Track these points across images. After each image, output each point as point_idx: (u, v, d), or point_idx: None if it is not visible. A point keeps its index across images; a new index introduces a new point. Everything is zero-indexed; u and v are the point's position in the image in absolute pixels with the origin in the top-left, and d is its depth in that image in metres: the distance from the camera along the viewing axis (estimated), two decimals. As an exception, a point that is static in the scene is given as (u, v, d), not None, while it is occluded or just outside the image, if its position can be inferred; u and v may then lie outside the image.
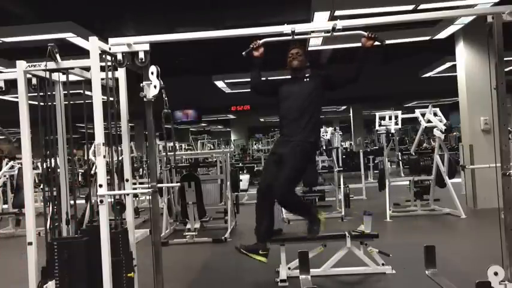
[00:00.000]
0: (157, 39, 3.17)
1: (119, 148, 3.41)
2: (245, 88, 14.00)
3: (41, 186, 3.70)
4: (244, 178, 10.70)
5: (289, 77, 4.23)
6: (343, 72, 4.06)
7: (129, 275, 3.04)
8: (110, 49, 3.09)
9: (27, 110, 3.18)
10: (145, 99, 3.11)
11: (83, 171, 12.60)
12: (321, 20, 6.17)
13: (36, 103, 3.29)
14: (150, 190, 3.09)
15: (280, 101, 4.10)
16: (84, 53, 3.37)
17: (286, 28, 3.19)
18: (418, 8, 6.05)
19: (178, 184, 6.47)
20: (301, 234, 4.41)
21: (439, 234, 6.20)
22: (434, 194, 7.67)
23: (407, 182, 7.92)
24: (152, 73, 3.09)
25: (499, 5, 5.30)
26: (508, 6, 3.00)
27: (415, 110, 8.07)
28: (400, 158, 11.35)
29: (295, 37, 3.25)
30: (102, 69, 3.05)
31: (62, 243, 2.99)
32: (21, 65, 3.20)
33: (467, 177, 8.02)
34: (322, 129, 10.50)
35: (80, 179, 11.96)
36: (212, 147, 17.94)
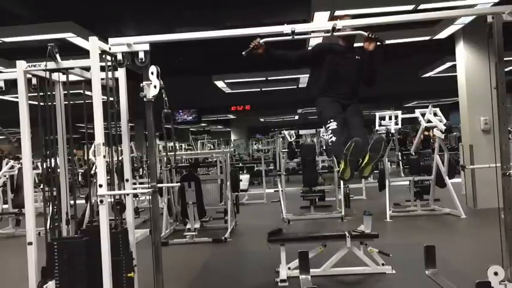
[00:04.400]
0: (157, 39, 3.18)
1: (119, 148, 3.41)
2: (245, 88, 14.00)
3: (41, 186, 3.70)
4: (244, 178, 10.71)
5: (338, 45, 3.93)
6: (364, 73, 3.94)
7: (129, 275, 3.05)
8: (110, 49, 3.09)
9: (27, 110, 3.18)
10: (145, 99, 3.11)
11: (83, 171, 12.59)
12: (321, 20, 6.17)
13: (36, 103, 3.29)
14: (150, 190, 3.09)
15: (330, 65, 3.84)
16: (84, 53, 3.38)
17: (286, 28, 3.18)
18: (418, 8, 6.04)
19: (178, 184, 6.47)
20: (301, 234, 4.42)
21: (439, 234, 6.20)
22: (434, 194, 7.67)
23: (407, 182, 7.92)
24: (152, 73, 3.09)
25: (499, 5, 5.30)
26: (508, 6, 3.00)
27: (415, 110, 8.07)
28: (400, 158, 11.34)
29: (295, 37, 3.25)
30: (102, 69, 3.06)
31: (62, 243, 2.99)
32: (21, 65, 3.20)
33: (467, 177, 8.02)
34: (322, 129, 10.53)
35: (80, 179, 11.95)
36: (212, 147, 17.93)
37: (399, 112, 8.85)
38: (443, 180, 7.37)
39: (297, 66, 4.04)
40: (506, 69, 3.14)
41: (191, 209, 6.42)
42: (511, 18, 2.99)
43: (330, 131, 3.66)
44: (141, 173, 11.42)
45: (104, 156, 2.88)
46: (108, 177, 3.08)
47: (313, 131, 13.92)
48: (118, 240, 3.05)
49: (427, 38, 8.26)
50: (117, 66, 3.18)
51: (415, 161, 8.15)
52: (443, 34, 7.96)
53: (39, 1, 6.97)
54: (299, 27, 3.22)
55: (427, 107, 7.72)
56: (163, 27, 7.98)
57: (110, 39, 3.11)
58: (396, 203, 8.00)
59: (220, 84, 13.49)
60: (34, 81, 3.32)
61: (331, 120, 3.68)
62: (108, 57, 3.11)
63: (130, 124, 3.62)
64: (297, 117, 22.89)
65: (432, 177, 7.51)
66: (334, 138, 3.58)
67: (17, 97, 3.18)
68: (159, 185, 3.48)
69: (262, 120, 25.15)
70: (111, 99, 3.16)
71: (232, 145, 20.53)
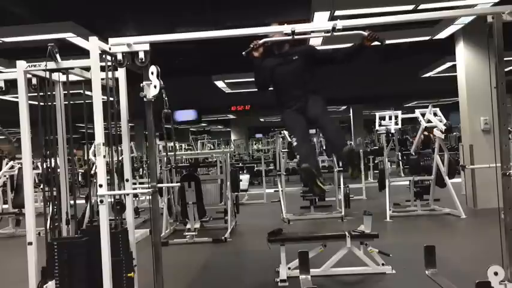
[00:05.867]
0: (157, 39, 3.17)
1: (119, 148, 3.41)
2: (245, 88, 13.98)
3: (41, 186, 3.70)
4: (244, 178, 10.71)
5: (276, 54, 4.00)
6: (333, 52, 4.00)
7: (129, 275, 3.04)
8: (110, 49, 3.09)
9: (27, 110, 3.18)
10: (145, 99, 3.11)
11: (83, 171, 12.60)
12: (321, 20, 6.17)
13: (36, 103, 3.29)
14: (150, 190, 3.09)
15: (275, 76, 3.96)
16: (84, 53, 3.38)
17: (286, 28, 3.18)
18: (418, 8, 6.04)
19: (178, 184, 6.47)
20: (301, 234, 4.42)
21: (439, 234, 6.20)
22: (434, 194, 7.67)
23: (407, 182, 7.92)
24: (152, 73, 3.09)
25: (499, 5, 5.30)
26: (508, 6, 3.00)
27: (415, 110, 8.07)
28: (400, 158, 11.34)
29: (295, 37, 3.25)
30: (102, 69, 3.05)
31: (62, 243, 2.99)
32: (21, 65, 3.20)
33: (467, 177, 8.02)
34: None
35: (80, 179, 11.96)
36: (212, 147, 17.94)
37: (399, 112, 8.85)
38: (443, 180, 7.37)
39: (263, 89, 4.12)
40: (506, 69, 3.13)
41: (191, 209, 6.42)
42: (511, 18, 2.99)
43: (294, 148, 3.82)
44: (141, 173, 11.43)
45: (104, 156, 2.88)
46: (108, 177, 3.08)
47: (313, 131, 13.92)
48: (118, 240, 3.04)
49: (427, 38, 8.26)
50: (117, 66, 3.18)
51: (415, 161, 8.15)
52: (443, 34, 7.96)
53: (39, 1, 6.97)
54: (299, 27, 3.22)
55: (427, 107, 7.73)
56: (164, 27, 7.98)
57: (110, 39, 3.11)
58: (396, 203, 8.00)
59: (220, 84, 13.48)
60: (34, 81, 3.32)
61: (292, 136, 3.84)
62: (108, 57, 3.11)
63: (130, 124, 3.62)
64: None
65: (432, 177, 7.51)
66: (298, 157, 3.81)
67: (17, 97, 3.18)
68: (159, 185, 3.48)
69: (262, 120, 25.15)
70: (111, 99, 3.16)
71: (232, 145, 20.54)
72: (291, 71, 3.90)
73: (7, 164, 8.55)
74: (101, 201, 2.83)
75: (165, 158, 6.89)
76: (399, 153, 10.96)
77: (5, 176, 8.45)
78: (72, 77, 3.37)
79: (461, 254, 5.13)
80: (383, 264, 4.40)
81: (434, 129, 7.38)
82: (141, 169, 11.80)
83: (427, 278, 3.94)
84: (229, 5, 7.51)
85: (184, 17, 7.70)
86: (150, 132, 3.25)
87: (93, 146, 5.13)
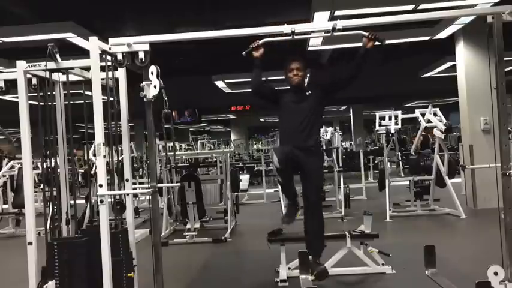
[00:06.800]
0: (157, 39, 3.18)
1: (119, 148, 3.41)
2: (245, 88, 14.00)
3: (41, 186, 3.70)
4: (244, 178, 10.71)
5: (289, 88, 4.17)
6: (341, 73, 4.04)
7: (129, 275, 3.05)
8: (110, 49, 3.09)
9: (27, 110, 3.18)
10: (145, 99, 3.11)
11: (83, 171, 12.61)
12: (321, 20, 6.18)
13: (36, 103, 3.29)
14: (150, 190, 3.09)
15: (283, 113, 4.12)
16: (84, 53, 3.38)
17: (286, 28, 3.19)
18: (418, 8, 6.04)
19: (178, 184, 6.47)
20: (301, 234, 4.42)
21: (439, 234, 6.20)
22: (434, 194, 7.67)
23: (407, 182, 7.92)
24: (152, 73, 3.09)
25: (499, 5, 5.30)
26: (508, 6, 3.00)
27: (415, 110, 8.07)
28: (400, 158, 11.33)
29: (295, 37, 3.25)
30: (102, 69, 3.06)
31: (62, 243, 2.99)
32: (21, 65, 3.20)
33: (467, 177, 8.02)
34: (322, 129, 10.54)
35: (80, 179, 11.96)
36: (212, 147, 17.93)
37: (399, 112, 8.84)
38: (443, 180, 7.37)
39: (255, 92, 4.23)
40: (506, 69, 3.13)
41: (191, 209, 6.42)
42: (511, 18, 2.99)
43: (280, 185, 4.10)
44: (141, 173, 11.43)
45: (104, 156, 2.88)
46: (108, 177, 3.08)
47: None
48: (118, 240, 3.04)
49: (427, 38, 8.26)
50: (117, 66, 3.18)
51: (415, 161, 8.14)
52: (443, 34, 7.96)
53: (39, 1, 6.97)
54: (299, 27, 3.23)
55: (427, 107, 7.72)
56: (164, 27, 7.98)
57: (110, 39, 3.11)
58: (396, 203, 7.99)
59: (220, 84, 13.49)
60: (34, 81, 3.32)
61: (278, 177, 4.38)
62: (108, 57, 3.11)
63: (130, 124, 3.62)
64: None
65: (432, 177, 7.51)
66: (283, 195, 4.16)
67: (17, 97, 3.18)
68: (159, 185, 3.48)
69: (262, 120, 25.16)
70: (111, 99, 3.16)
71: (232, 145, 20.54)
72: (301, 108, 4.01)
73: (7, 164, 8.54)
74: (101, 201, 2.83)
75: (165, 158, 6.90)
76: (399, 153, 10.95)
77: (5, 176, 8.45)
78: (72, 77, 3.37)
79: (461, 254, 5.13)
80: (383, 264, 4.40)
81: (434, 129, 7.38)
82: (141, 169, 11.80)
83: (427, 278, 3.94)
84: (228, 5, 7.51)
85: (184, 17, 7.70)
86: (150, 132, 3.26)
87: (93, 146, 5.13)
